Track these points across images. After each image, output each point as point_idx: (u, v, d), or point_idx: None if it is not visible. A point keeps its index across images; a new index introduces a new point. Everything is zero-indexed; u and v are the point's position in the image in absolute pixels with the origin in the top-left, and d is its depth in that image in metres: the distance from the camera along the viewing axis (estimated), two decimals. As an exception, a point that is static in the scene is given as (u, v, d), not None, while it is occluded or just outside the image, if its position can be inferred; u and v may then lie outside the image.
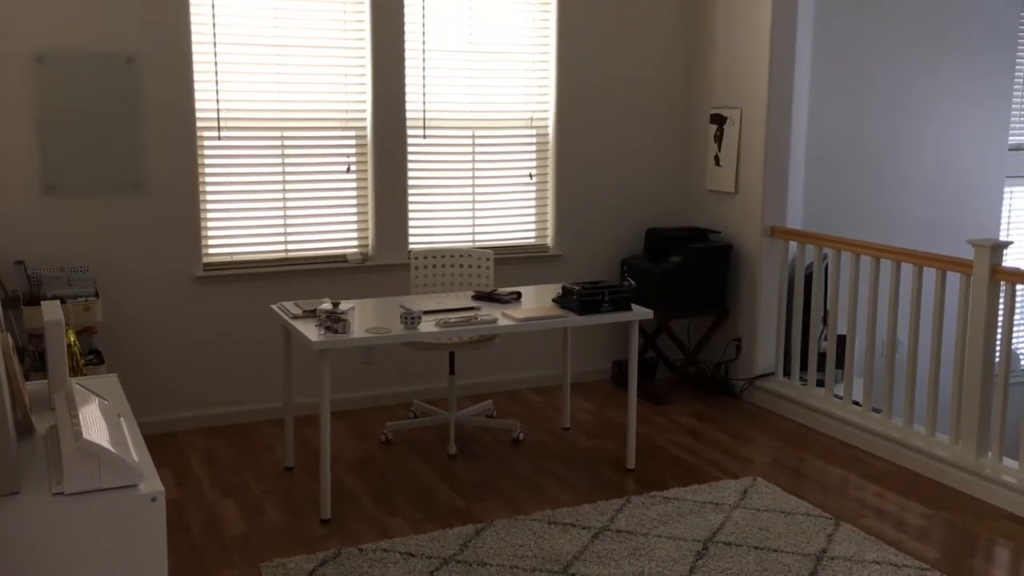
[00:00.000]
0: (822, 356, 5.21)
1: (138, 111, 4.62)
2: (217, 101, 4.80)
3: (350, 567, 3.47)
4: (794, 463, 4.60)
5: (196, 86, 4.73)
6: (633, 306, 4.33)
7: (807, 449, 4.79)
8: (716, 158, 5.65)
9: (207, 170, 4.84)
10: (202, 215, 4.85)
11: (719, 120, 5.61)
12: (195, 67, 4.72)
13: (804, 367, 5.31)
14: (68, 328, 4.22)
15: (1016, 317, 4.25)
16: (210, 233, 4.90)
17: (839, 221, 5.87)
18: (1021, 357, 6.79)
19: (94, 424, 2.08)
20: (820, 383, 5.20)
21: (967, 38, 6.37)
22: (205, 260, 4.90)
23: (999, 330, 4.24)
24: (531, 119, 5.56)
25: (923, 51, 6.23)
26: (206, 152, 4.83)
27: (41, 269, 4.45)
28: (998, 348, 4.25)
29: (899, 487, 4.32)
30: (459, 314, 4.13)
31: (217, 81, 4.79)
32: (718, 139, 5.62)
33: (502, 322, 4.07)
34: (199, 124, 4.78)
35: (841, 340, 5.12)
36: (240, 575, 3.46)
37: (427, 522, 3.89)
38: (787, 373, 5.38)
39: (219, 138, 4.84)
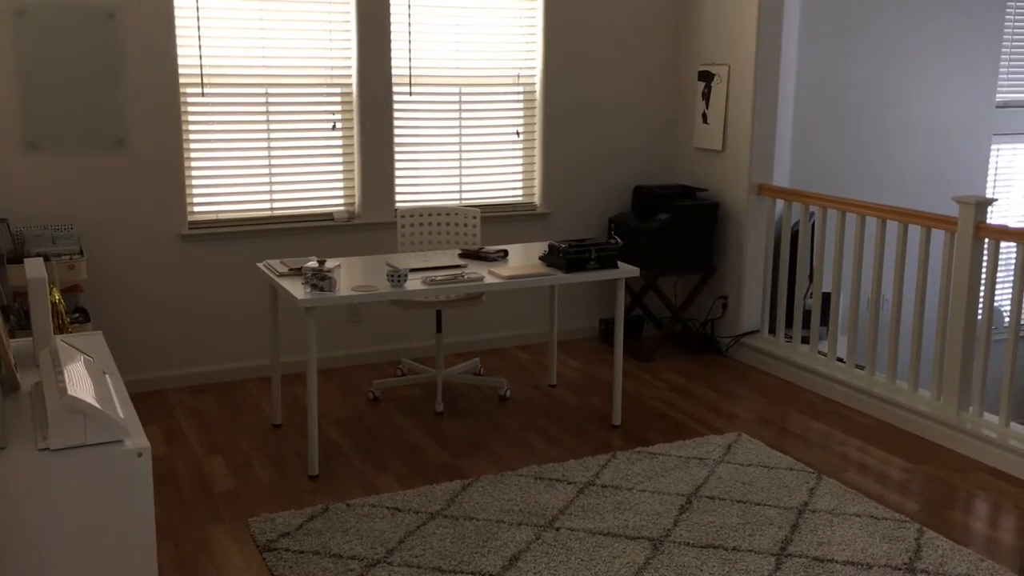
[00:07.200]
0: (807, 313, 5.24)
1: (120, 67, 4.57)
2: (200, 57, 4.75)
3: (338, 521, 3.51)
4: (778, 419, 4.65)
5: (179, 41, 4.68)
6: (620, 264, 4.34)
7: (791, 405, 4.83)
8: (704, 115, 5.63)
9: (191, 127, 4.80)
10: (186, 173, 4.82)
11: (707, 77, 5.58)
12: (177, 22, 4.66)
13: (789, 324, 5.34)
14: (53, 286, 4.20)
15: (999, 274, 4.28)
16: (195, 191, 4.87)
17: (826, 178, 5.88)
18: (1003, 314, 6.85)
19: (79, 380, 2.08)
20: (805, 340, 5.24)
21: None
22: (190, 218, 4.88)
23: (982, 287, 4.27)
24: (518, 76, 5.52)
25: (911, 6, 6.20)
26: (190, 109, 4.78)
27: (24, 227, 4.42)
28: (981, 305, 4.29)
29: (881, 442, 4.37)
30: (446, 272, 4.13)
31: (200, 36, 4.73)
32: (706, 96, 5.60)
33: (489, 280, 4.08)
34: (182, 80, 4.73)
35: (826, 298, 5.15)
36: (229, 529, 3.50)
37: (414, 478, 3.93)
38: (772, 330, 5.42)
39: (203, 95, 4.79)
